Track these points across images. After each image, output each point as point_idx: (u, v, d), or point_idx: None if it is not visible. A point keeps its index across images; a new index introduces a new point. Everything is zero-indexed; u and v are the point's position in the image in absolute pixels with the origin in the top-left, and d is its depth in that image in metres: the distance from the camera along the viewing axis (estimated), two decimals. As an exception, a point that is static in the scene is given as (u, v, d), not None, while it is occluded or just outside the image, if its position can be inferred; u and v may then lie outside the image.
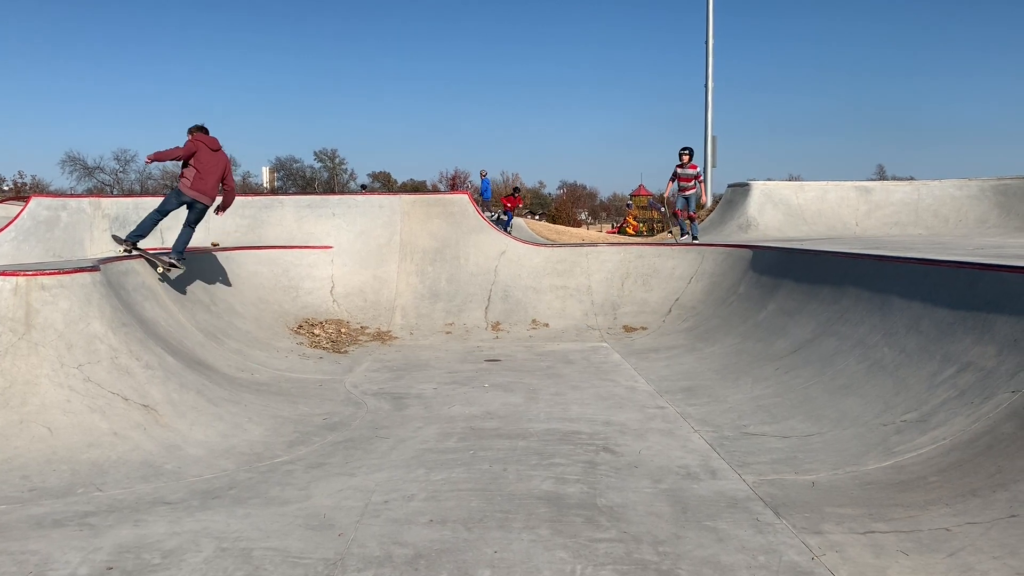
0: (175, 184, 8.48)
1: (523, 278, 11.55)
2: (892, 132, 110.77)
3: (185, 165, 8.22)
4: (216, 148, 8.33)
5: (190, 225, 8.49)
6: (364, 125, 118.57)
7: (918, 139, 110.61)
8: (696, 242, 12.66)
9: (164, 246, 9.37)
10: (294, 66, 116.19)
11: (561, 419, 6.12)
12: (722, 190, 20.72)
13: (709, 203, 21.47)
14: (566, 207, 64.76)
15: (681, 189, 13.27)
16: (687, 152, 13.04)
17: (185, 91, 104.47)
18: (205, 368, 6.92)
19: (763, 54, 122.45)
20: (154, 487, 4.56)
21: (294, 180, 65.12)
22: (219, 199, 8.78)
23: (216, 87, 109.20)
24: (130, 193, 45.94)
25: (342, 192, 40.08)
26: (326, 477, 4.77)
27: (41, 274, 5.83)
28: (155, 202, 9.47)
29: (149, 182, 53.54)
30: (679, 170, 13.05)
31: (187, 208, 8.38)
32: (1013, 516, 3.47)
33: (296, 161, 66.63)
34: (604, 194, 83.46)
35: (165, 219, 8.42)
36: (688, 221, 13.53)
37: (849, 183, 17.56)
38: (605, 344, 9.87)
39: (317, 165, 67.88)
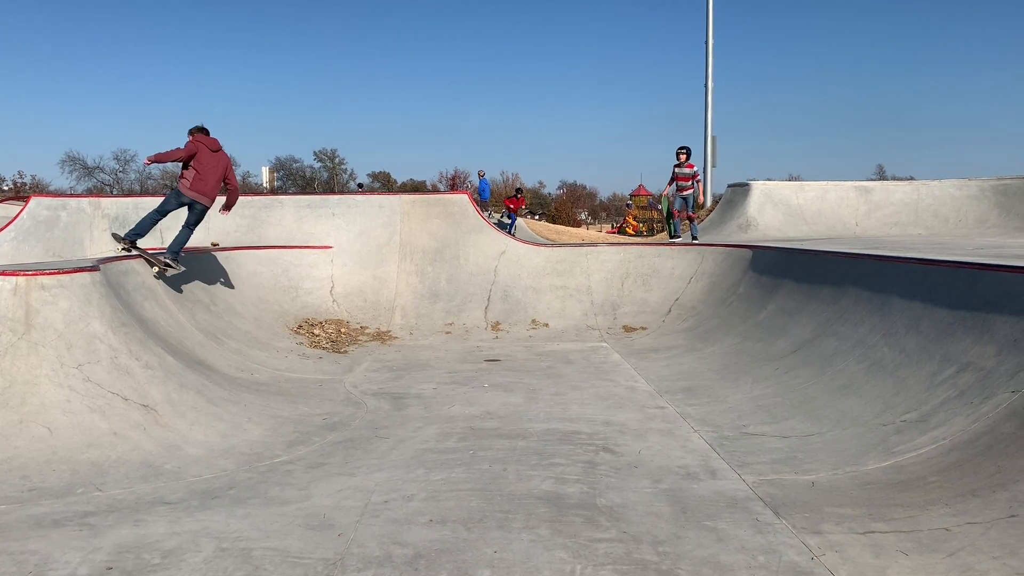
0: (175, 184, 8.49)
1: (523, 278, 11.55)
2: (892, 132, 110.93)
3: (185, 166, 8.22)
4: (216, 149, 8.34)
5: (189, 226, 8.49)
6: (364, 125, 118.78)
7: (918, 139, 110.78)
8: (696, 242, 12.65)
9: (163, 246, 9.36)
10: (294, 66, 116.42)
11: (561, 419, 6.12)
12: (722, 190, 20.72)
13: (709, 203, 21.48)
14: (566, 207, 64.79)
15: (679, 189, 13.22)
16: (684, 151, 12.98)
17: (185, 91, 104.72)
18: (205, 368, 6.92)
19: (763, 54, 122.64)
20: (154, 487, 4.56)
21: (294, 180, 65.13)
22: (223, 198, 8.82)
23: (216, 87, 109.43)
24: (130, 193, 45.94)
25: (342, 192, 40.06)
26: (326, 477, 4.77)
27: (41, 274, 5.83)
28: (155, 202, 9.49)
29: (149, 182, 53.60)
30: (676, 170, 13.03)
31: (187, 209, 8.38)
32: (1013, 516, 3.47)
33: (296, 161, 66.75)
34: (604, 194, 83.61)
35: (165, 219, 8.43)
36: (687, 221, 13.51)
37: (849, 183, 17.55)
38: (605, 344, 9.87)
39: (317, 165, 68.01)
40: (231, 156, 8.76)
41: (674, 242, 12.84)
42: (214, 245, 11.08)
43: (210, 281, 9.46)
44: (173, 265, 8.20)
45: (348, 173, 67.76)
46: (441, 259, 11.84)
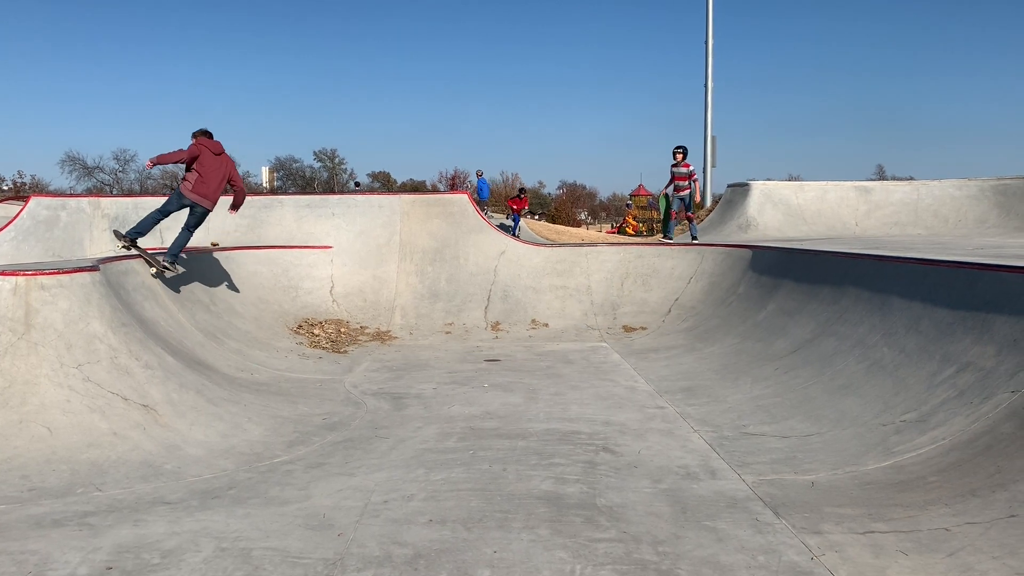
0: (175, 184, 8.53)
1: (523, 278, 11.56)
2: (892, 132, 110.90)
3: (188, 169, 8.27)
4: (219, 152, 8.40)
5: (189, 229, 8.52)
6: (364, 125, 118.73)
7: (918, 139, 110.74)
8: (695, 242, 12.64)
9: (163, 246, 9.37)
10: (294, 66, 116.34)
11: (561, 419, 6.12)
12: (722, 190, 20.73)
13: (708, 203, 21.48)
14: (566, 207, 64.74)
15: (677, 189, 13.20)
16: (680, 151, 12.95)
17: (185, 91, 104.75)
18: (205, 368, 6.92)
19: (763, 54, 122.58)
20: (154, 487, 4.56)
21: (294, 180, 65.14)
22: (230, 198, 8.93)
23: (216, 87, 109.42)
24: (130, 193, 45.95)
25: (342, 192, 40.06)
26: (326, 477, 4.77)
27: (41, 274, 5.83)
28: (154, 202, 9.52)
29: (149, 182, 53.59)
30: (673, 169, 13.01)
31: (188, 211, 8.41)
32: (1012, 516, 3.47)
33: (296, 161, 66.76)
34: (604, 194, 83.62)
35: (166, 219, 8.47)
36: (686, 221, 13.50)
37: (849, 183, 17.56)
38: (605, 344, 9.87)
39: (317, 165, 67.99)
40: (232, 156, 8.81)
41: (666, 242, 12.80)
42: (214, 245, 11.08)
43: (210, 281, 9.46)
44: (171, 267, 8.23)
45: (348, 173, 67.82)
46: (441, 259, 11.84)
